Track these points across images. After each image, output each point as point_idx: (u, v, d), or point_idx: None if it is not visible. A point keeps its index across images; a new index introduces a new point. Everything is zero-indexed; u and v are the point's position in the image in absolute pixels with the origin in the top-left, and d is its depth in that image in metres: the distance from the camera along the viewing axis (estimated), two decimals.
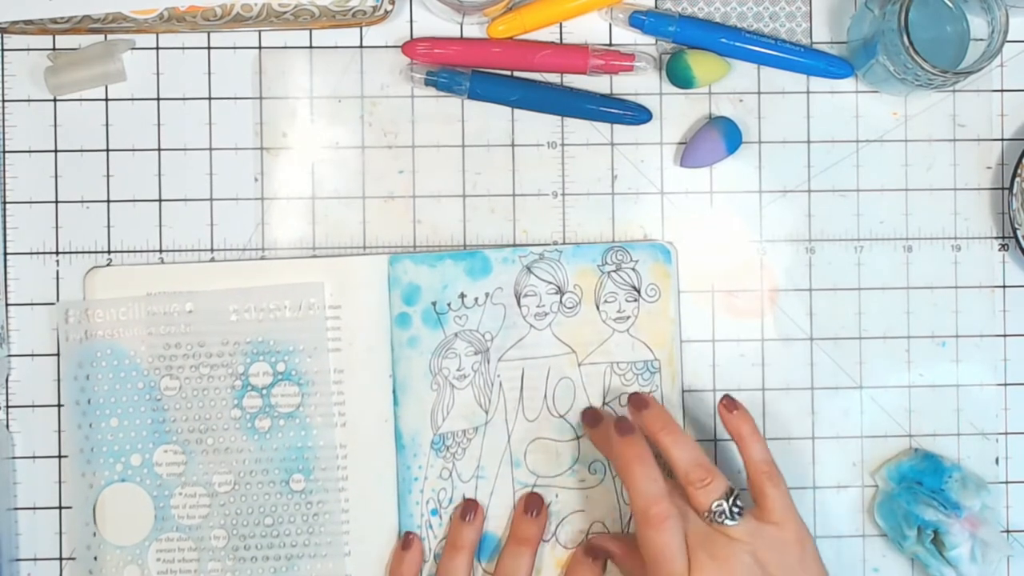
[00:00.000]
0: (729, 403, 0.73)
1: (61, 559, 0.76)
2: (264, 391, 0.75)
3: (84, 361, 0.75)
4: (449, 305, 0.76)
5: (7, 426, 0.76)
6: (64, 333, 0.75)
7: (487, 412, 0.76)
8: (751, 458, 0.72)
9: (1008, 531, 0.78)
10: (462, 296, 0.76)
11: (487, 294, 0.76)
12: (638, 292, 0.76)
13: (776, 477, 0.71)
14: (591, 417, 0.76)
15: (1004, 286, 0.78)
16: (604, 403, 0.76)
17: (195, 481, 0.75)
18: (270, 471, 0.75)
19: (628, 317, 0.76)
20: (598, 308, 0.77)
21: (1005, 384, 0.78)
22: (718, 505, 0.69)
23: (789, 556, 0.69)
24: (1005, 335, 0.78)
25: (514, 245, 0.77)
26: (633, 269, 0.76)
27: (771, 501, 0.70)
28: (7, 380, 0.76)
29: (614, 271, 0.76)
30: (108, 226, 0.77)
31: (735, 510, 0.69)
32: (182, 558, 0.75)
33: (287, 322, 0.75)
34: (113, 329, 0.75)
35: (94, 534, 0.75)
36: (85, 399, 0.75)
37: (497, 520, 0.76)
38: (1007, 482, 0.78)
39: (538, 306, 0.76)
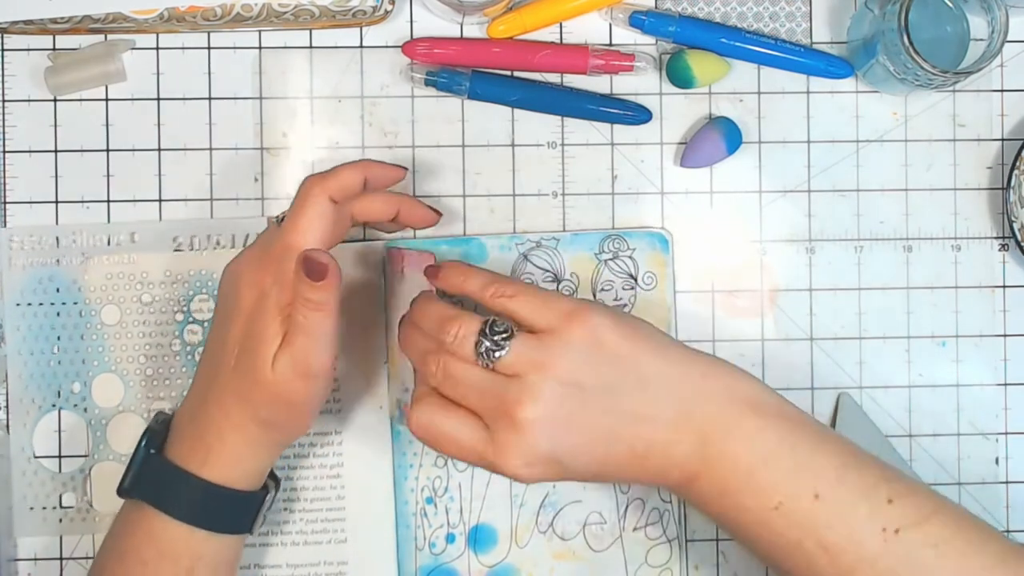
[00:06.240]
0: (432, 270, 0.65)
1: (61, 559, 0.76)
2: (205, 324, 0.76)
3: (27, 288, 0.75)
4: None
5: (6, 426, 0.76)
6: (8, 259, 0.75)
7: None
8: (477, 297, 0.61)
9: (1008, 531, 0.78)
10: None
11: None
12: (635, 280, 0.76)
13: (510, 287, 0.60)
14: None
15: (1004, 286, 0.78)
16: None
17: (132, 410, 0.75)
18: None
19: (624, 305, 0.76)
20: (595, 296, 0.77)
21: (1005, 384, 0.78)
22: (479, 346, 0.57)
23: (598, 356, 0.57)
24: (1005, 335, 0.78)
25: (511, 233, 0.77)
26: (630, 257, 0.76)
27: (526, 313, 0.59)
28: (5, 379, 0.76)
29: (611, 259, 0.76)
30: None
31: (498, 336, 0.58)
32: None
33: (230, 256, 0.75)
34: (56, 256, 0.75)
35: (30, 460, 0.75)
36: (26, 325, 0.75)
37: (494, 511, 0.76)
38: (1007, 482, 0.78)
39: None
